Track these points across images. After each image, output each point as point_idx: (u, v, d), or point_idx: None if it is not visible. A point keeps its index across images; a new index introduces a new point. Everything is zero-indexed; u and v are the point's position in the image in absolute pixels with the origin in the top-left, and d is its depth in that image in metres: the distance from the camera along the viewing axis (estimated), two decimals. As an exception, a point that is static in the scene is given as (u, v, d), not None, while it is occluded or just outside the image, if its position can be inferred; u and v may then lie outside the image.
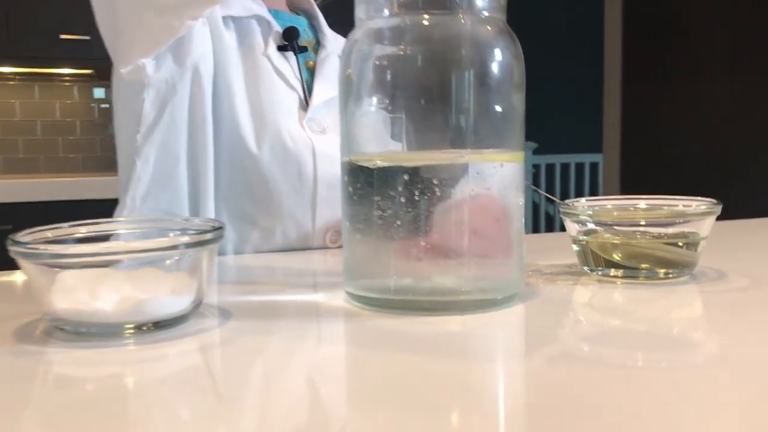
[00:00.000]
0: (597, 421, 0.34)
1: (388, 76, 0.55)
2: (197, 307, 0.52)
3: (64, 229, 0.53)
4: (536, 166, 4.43)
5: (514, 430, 0.35)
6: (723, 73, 2.82)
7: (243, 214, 0.88)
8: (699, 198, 0.67)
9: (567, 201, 0.69)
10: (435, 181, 0.53)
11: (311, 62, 0.97)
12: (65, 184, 2.38)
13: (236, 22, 0.91)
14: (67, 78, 2.92)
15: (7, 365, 0.45)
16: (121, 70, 0.80)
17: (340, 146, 0.58)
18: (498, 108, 0.54)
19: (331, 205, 0.89)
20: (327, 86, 0.94)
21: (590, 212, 0.67)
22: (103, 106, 2.97)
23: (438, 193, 0.53)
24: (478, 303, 0.54)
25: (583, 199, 0.71)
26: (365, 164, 0.55)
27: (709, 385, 0.39)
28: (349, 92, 0.56)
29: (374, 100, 0.55)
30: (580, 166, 4.60)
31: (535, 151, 4.29)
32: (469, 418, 0.36)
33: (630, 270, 0.64)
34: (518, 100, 0.55)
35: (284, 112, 0.89)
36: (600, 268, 0.66)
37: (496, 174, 0.55)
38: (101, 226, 0.55)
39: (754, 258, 0.80)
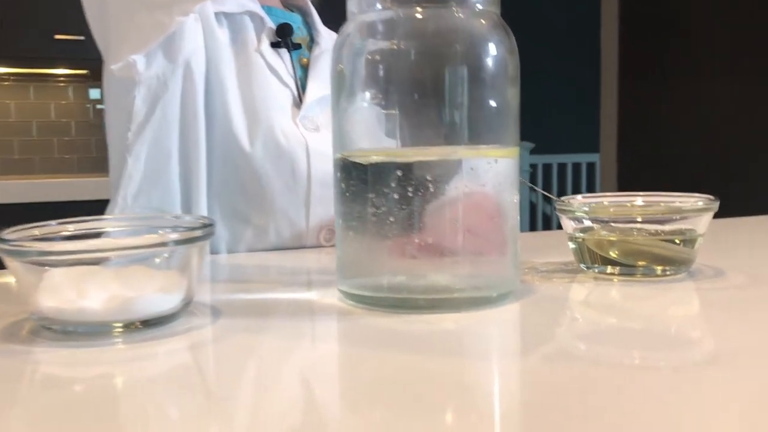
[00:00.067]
0: (593, 420, 0.34)
1: (381, 71, 0.54)
2: (187, 305, 0.52)
3: (52, 226, 0.53)
4: (533, 166, 4.42)
5: (509, 430, 0.34)
6: (721, 73, 2.82)
7: (236, 212, 0.88)
8: (696, 194, 0.66)
9: (563, 198, 0.68)
10: (428, 178, 0.52)
11: (305, 59, 0.96)
12: (61, 185, 2.37)
13: (229, 18, 0.90)
14: (62, 78, 2.91)
15: (-7, 366, 0.44)
16: (112, 67, 0.80)
17: (332, 143, 0.57)
18: (492, 103, 0.53)
19: (325, 203, 0.88)
20: (321, 84, 0.93)
21: (586, 209, 0.66)
22: (98, 106, 2.96)
23: (432, 190, 0.52)
24: (473, 301, 0.54)
25: (579, 196, 0.71)
26: (358, 160, 0.54)
27: (706, 383, 0.39)
28: (341, 87, 0.55)
29: (367, 95, 0.54)
30: (577, 166, 4.60)
31: (533, 151, 4.29)
32: (464, 417, 0.35)
33: (627, 267, 0.64)
34: (513, 95, 0.54)
35: (277, 109, 0.89)
36: (596, 266, 0.65)
37: (491, 170, 0.54)
38: (89, 224, 0.55)
39: (753, 255, 0.80)
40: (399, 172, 0.52)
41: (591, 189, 4.54)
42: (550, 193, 4.32)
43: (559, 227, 0.70)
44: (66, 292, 0.47)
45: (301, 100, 0.92)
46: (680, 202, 0.66)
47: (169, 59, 0.81)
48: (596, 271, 0.65)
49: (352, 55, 0.55)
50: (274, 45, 0.93)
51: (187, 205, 0.86)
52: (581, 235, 0.66)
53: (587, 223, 0.66)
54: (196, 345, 0.48)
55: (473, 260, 0.54)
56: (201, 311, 0.54)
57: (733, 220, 1.04)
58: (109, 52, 0.82)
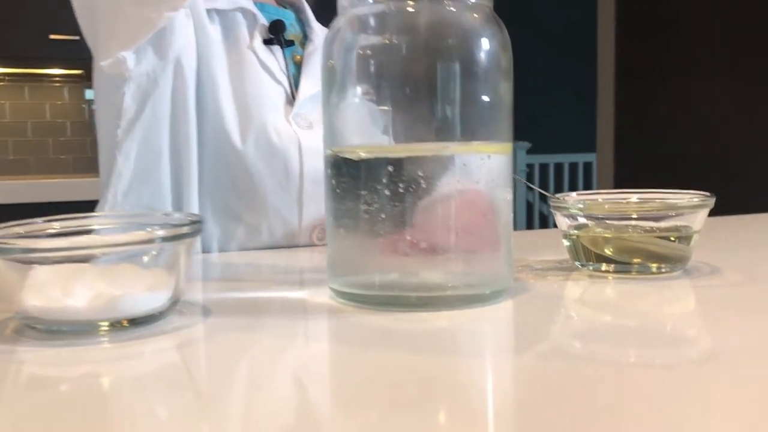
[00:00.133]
0: (589, 419, 0.33)
1: (372, 66, 0.53)
2: (175, 304, 0.51)
3: (37, 224, 0.52)
4: (530, 166, 4.42)
5: (503, 429, 0.33)
6: (718, 73, 2.82)
7: (228, 210, 0.87)
8: (691, 191, 0.65)
9: (558, 195, 0.67)
10: (420, 174, 0.51)
11: (298, 56, 0.96)
12: (56, 186, 2.36)
13: (221, 14, 0.89)
14: (57, 79, 2.90)
15: (-24, 365, 0.43)
16: (101, 64, 0.79)
17: (323, 138, 0.56)
18: (485, 98, 0.53)
19: (318, 201, 0.87)
20: (314, 81, 0.92)
21: (581, 206, 0.66)
22: (94, 107, 2.94)
23: (423, 186, 0.51)
24: (466, 298, 0.53)
25: (574, 193, 0.70)
26: (348, 156, 0.53)
27: (702, 381, 0.38)
28: (332, 83, 0.55)
29: (358, 90, 0.53)
30: (573, 166, 4.60)
31: (529, 151, 4.29)
32: (457, 416, 0.34)
33: (622, 265, 0.63)
34: (506, 90, 0.54)
35: (270, 106, 0.88)
36: (591, 263, 0.64)
37: (484, 166, 0.53)
38: (76, 222, 0.54)
39: (749, 253, 0.79)
40: (390, 168, 0.51)
41: (588, 189, 4.53)
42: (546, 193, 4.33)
43: (556, 226, 0.70)
44: (51, 290, 0.46)
45: (294, 98, 0.92)
46: (675, 198, 0.66)
47: (159, 56, 0.80)
48: (591, 268, 0.65)
49: (342, 50, 0.54)
50: (267, 42, 0.92)
51: (178, 203, 0.85)
52: (576, 232, 0.65)
53: (582, 220, 0.65)
54: (184, 344, 0.47)
55: (466, 257, 0.54)
56: (190, 310, 0.54)
57: (729, 218, 1.04)
58: (97, 48, 0.81)
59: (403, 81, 0.52)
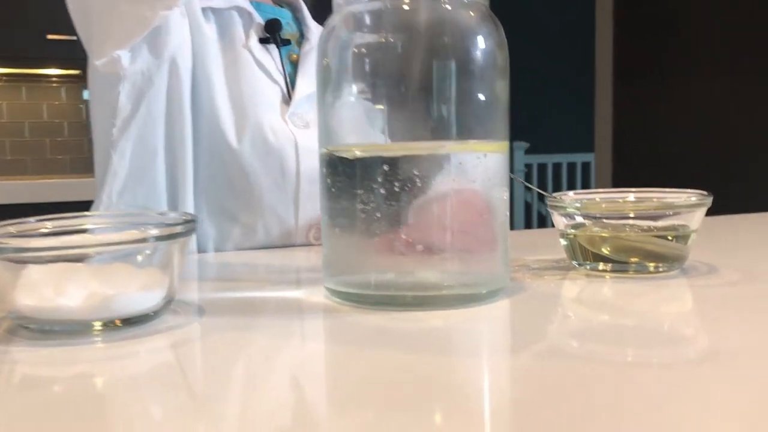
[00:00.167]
0: (586, 419, 0.33)
1: (367, 65, 0.53)
2: (169, 303, 0.51)
3: (30, 224, 0.51)
4: (528, 166, 4.42)
5: (499, 429, 0.33)
6: (717, 73, 2.81)
7: (223, 210, 0.87)
8: (689, 190, 0.65)
9: (555, 194, 0.67)
10: (416, 172, 0.51)
11: (295, 56, 0.95)
12: (53, 186, 2.36)
13: (216, 13, 0.89)
14: (54, 79, 2.89)
15: (-33, 366, 0.43)
16: (96, 63, 0.79)
17: (318, 138, 0.56)
18: (481, 96, 0.52)
19: (315, 201, 0.87)
20: (310, 80, 0.92)
21: (578, 205, 0.65)
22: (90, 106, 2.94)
23: (419, 185, 0.51)
24: (462, 298, 0.53)
25: (571, 193, 0.70)
26: (343, 155, 0.53)
27: (699, 380, 0.38)
28: (327, 81, 0.54)
29: (353, 88, 0.53)
30: (572, 166, 4.59)
31: (527, 151, 4.28)
32: (453, 416, 0.34)
33: (619, 264, 0.63)
34: (502, 88, 0.53)
35: (266, 105, 0.88)
36: (588, 263, 0.64)
37: (480, 165, 0.53)
38: (69, 221, 0.53)
39: (746, 252, 0.79)
40: (386, 167, 0.51)
41: (586, 189, 4.52)
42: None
43: (554, 226, 0.69)
44: (44, 289, 0.46)
45: (290, 97, 0.91)
46: (673, 197, 0.66)
47: (154, 54, 0.80)
48: (588, 267, 0.64)
49: (338, 49, 0.54)
50: (263, 41, 0.92)
51: (174, 203, 0.85)
52: (573, 231, 0.65)
53: (579, 219, 0.65)
54: (178, 343, 0.46)
55: (462, 257, 0.53)
56: (184, 310, 0.53)
57: (727, 217, 1.04)
58: (92, 46, 0.81)
59: (398, 79, 0.52)
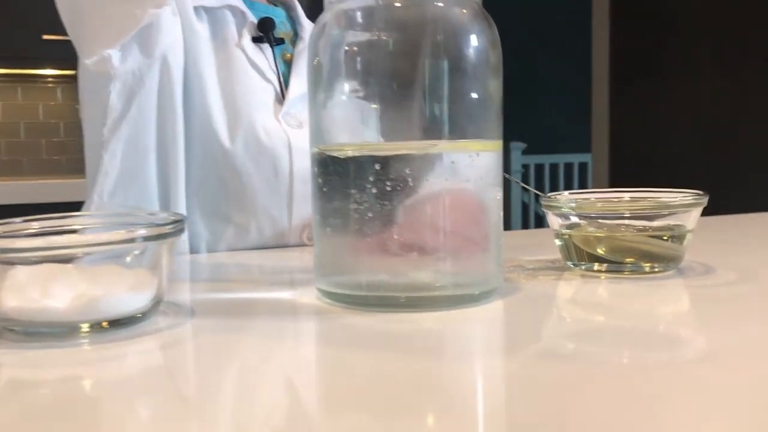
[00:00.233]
0: (581, 421, 0.32)
1: (359, 63, 0.52)
2: (158, 304, 0.50)
3: (16, 224, 0.51)
4: (525, 166, 4.41)
5: (492, 431, 0.33)
6: (714, 72, 2.81)
7: (216, 211, 0.86)
8: (684, 190, 0.65)
9: (549, 194, 0.66)
10: (408, 172, 0.50)
11: (288, 55, 0.95)
12: (49, 187, 2.35)
13: (209, 12, 0.88)
14: (50, 79, 2.88)
15: (-48, 369, 0.42)
16: (86, 62, 0.78)
17: (309, 137, 0.55)
18: (474, 95, 0.52)
19: (308, 201, 0.86)
20: (304, 79, 0.91)
21: (573, 205, 0.65)
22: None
23: (411, 185, 0.50)
24: (455, 298, 0.52)
25: (566, 192, 0.69)
26: (335, 154, 0.52)
27: (695, 381, 0.38)
28: (319, 80, 0.54)
29: (345, 87, 0.52)
30: (569, 166, 4.59)
31: (524, 151, 4.28)
32: (445, 418, 0.34)
33: (614, 264, 0.62)
34: (495, 87, 0.53)
35: (259, 105, 0.87)
36: (583, 263, 0.64)
37: (473, 164, 0.53)
38: (56, 222, 0.53)
39: (742, 252, 0.79)
40: (377, 166, 0.50)
41: (583, 189, 4.52)
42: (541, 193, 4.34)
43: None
44: (30, 291, 0.45)
45: (283, 96, 0.91)
46: (668, 197, 0.65)
47: (145, 54, 0.79)
48: (583, 268, 0.64)
49: (329, 47, 0.53)
50: (256, 40, 0.91)
51: (165, 203, 0.84)
52: (568, 231, 0.64)
53: (574, 219, 0.64)
54: (167, 345, 0.46)
55: (455, 257, 0.53)
56: (174, 311, 0.53)
57: (723, 217, 1.03)
58: (81, 45, 0.80)
59: (390, 78, 0.51)
